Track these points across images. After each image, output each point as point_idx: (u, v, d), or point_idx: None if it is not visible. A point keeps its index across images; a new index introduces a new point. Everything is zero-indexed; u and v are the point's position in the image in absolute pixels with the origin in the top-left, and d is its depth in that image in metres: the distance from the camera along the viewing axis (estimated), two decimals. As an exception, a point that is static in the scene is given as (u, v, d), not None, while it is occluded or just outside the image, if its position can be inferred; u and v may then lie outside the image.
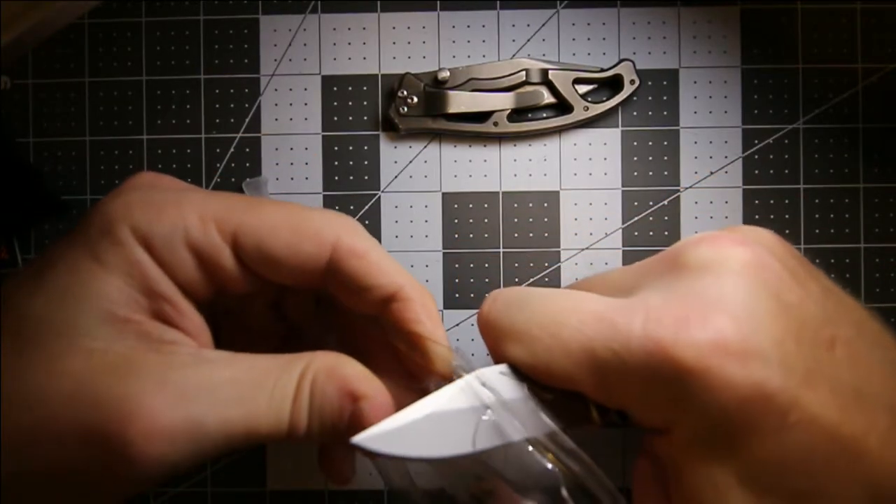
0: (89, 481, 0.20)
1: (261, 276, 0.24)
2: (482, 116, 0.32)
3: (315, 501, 0.32)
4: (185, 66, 0.33)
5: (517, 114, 0.33)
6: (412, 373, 0.25)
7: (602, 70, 0.32)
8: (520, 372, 0.23)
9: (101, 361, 0.21)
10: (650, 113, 0.33)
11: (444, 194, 0.33)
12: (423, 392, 0.26)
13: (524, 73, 0.32)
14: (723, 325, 0.20)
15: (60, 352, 0.21)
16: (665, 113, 0.33)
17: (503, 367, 0.24)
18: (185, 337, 0.23)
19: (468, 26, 0.33)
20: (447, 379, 0.24)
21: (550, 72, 0.32)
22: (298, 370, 0.22)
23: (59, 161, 0.33)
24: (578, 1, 0.33)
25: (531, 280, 0.33)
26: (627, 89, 0.32)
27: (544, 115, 0.33)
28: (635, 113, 0.33)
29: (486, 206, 0.33)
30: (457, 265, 0.33)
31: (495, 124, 0.32)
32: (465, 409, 0.22)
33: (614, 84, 0.32)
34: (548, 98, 0.32)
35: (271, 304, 0.27)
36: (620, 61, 0.32)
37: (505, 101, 0.32)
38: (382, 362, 0.25)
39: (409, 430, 0.22)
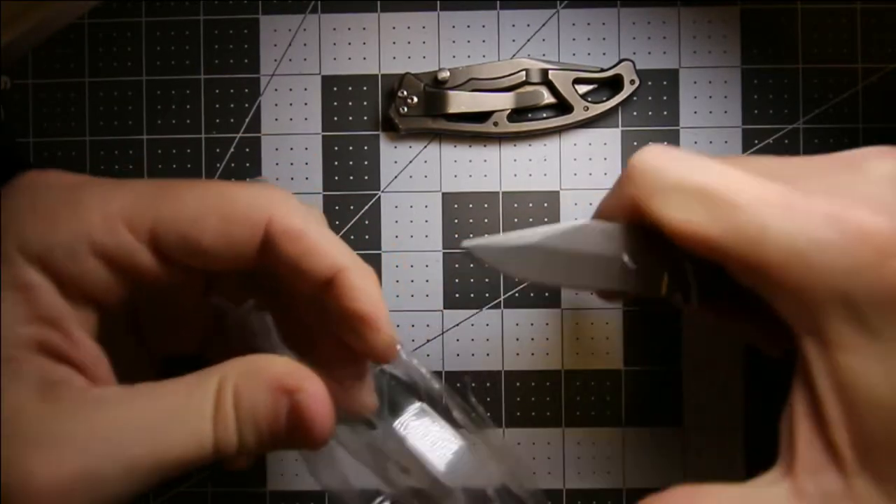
0: None
1: (188, 267, 0.22)
2: (482, 116, 0.32)
3: (315, 501, 0.32)
4: (185, 66, 0.33)
5: (517, 114, 0.33)
6: (356, 353, 0.24)
7: (602, 70, 0.32)
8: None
9: None
10: (650, 113, 0.33)
11: (444, 194, 0.33)
12: (362, 376, 0.25)
13: (524, 73, 0.32)
14: None
15: None
16: (665, 113, 0.33)
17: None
18: (74, 374, 0.20)
19: (468, 26, 0.33)
20: (389, 361, 0.23)
21: (550, 72, 0.32)
22: (213, 385, 0.20)
23: (59, 161, 0.33)
24: (578, 1, 0.33)
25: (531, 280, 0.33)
26: (627, 89, 0.32)
27: (544, 115, 0.33)
28: (635, 113, 0.33)
29: (486, 206, 0.33)
30: (457, 265, 0.33)
31: (495, 124, 0.32)
32: None
33: (614, 84, 0.32)
34: (548, 98, 0.32)
35: (200, 289, 0.25)
36: (620, 61, 0.32)
37: (505, 101, 0.32)
38: (326, 342, 0.24)
39: None
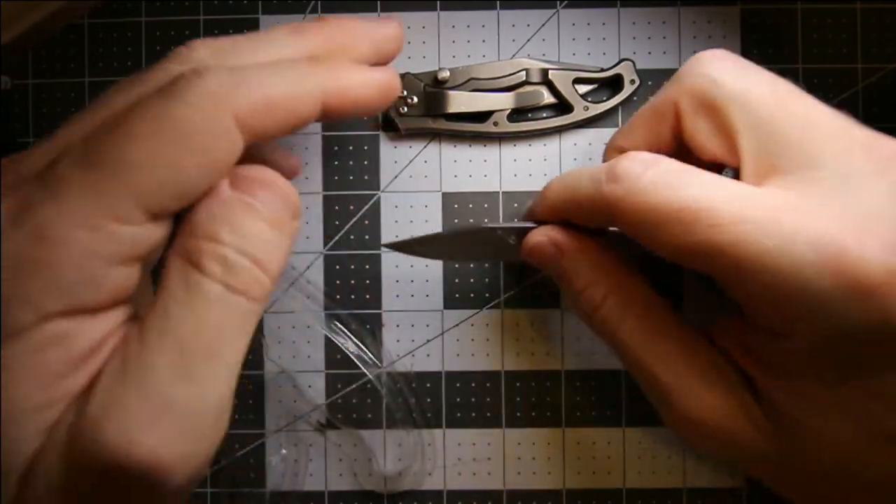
0: None
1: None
2: (482, 116, 0.32)
3: (315, 501, 0.32)
4: (185, 66, 0.33)
5: (517, 114, 0.33)
6: None
7: (602, 70, 0.32)
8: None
9: None
10: (650, 113, 0.33)
11: (444, 194, 0.33)
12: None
13: (524, 73, 0.32)
14: None
15: None
16: (665, 113, 0.33)
17: None
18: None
19: (468, 26, 0.33)
20: None
21: (550, 72, 0.32)
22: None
23: (59, 161, 0.33)
24: (578, 1, 0.33)
25: (531, 280, 0.32)
26: (627, 89, 0.32)
27: (544, 115, 0.33)
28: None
29: (486, 206, 0.33)
30: (457, 265, 0.33)
31: (495, 124, 0.32)
32: None
33: (614, 84, 0.32)
34: (548, 98, 0.32)
35: None
36: (620, 61, 0.32)
37: (505, 101, 0.32)
38: None
39: None
